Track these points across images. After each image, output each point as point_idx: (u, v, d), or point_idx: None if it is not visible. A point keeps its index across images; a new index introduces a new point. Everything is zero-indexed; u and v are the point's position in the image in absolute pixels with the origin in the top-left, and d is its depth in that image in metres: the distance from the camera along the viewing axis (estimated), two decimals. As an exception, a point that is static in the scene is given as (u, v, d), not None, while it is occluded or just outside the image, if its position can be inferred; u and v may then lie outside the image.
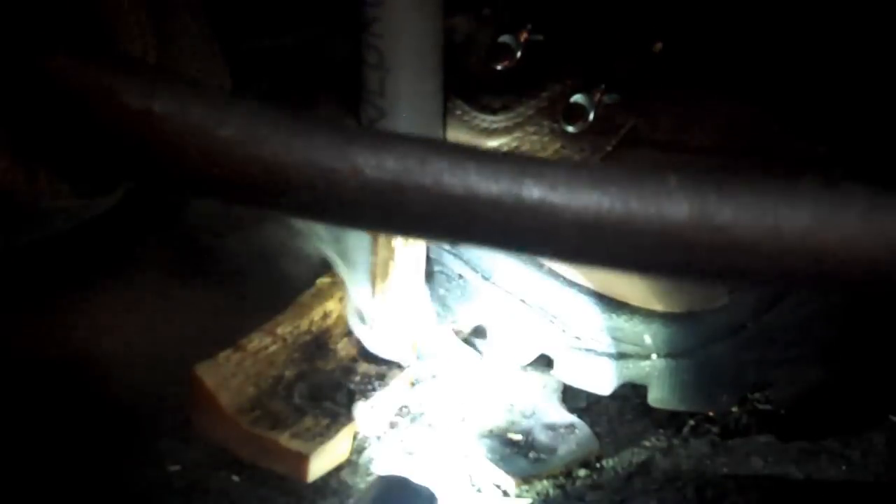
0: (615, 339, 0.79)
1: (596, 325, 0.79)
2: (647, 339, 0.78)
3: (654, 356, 0.79)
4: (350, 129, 0.54)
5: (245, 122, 0.53)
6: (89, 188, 0.60)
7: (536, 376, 0.83)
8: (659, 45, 0.83)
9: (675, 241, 0.51)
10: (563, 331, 0.81)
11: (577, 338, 0.80)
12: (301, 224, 0.88)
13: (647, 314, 0.78)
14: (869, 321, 0.77)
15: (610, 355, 0.80)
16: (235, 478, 0.77)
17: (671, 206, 0.51)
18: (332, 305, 0.83)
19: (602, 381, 0.80)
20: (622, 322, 0.79)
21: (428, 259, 0.85)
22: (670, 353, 0.78)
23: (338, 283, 0.84)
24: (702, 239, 0.51)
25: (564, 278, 0.80)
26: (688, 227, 0.51)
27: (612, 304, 0.79)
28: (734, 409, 0.81)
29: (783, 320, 0.77)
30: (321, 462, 0.76)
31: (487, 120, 0.82)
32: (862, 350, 0.78)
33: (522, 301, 0.82)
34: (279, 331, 0.81)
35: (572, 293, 0.80)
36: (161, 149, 0.54)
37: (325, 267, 0.85)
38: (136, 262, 0.90)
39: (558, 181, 0.51)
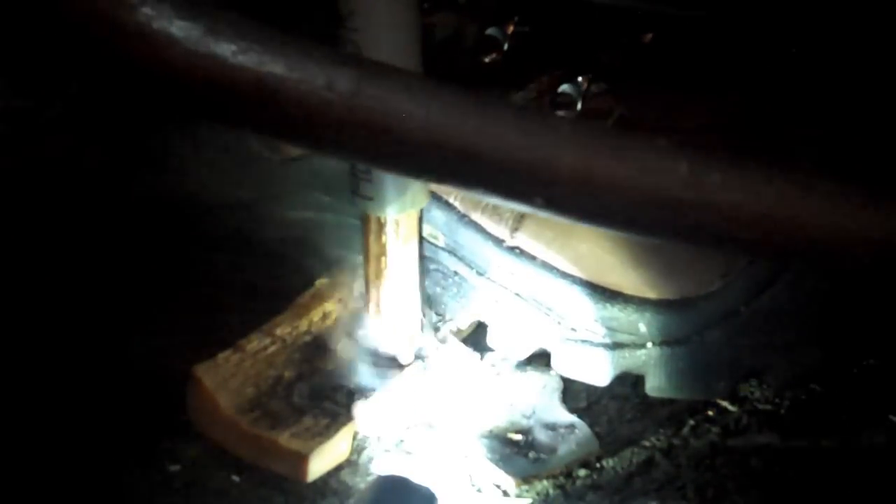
0: (610, 328, 0.79)
1: (591, 316, 0.80)
2: (642, 328, 0.79)
3: (649, 345, 0.79)
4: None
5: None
6: None
7: (536, 376, 0.83)
8: (648, 36, 0.84)
9: None
10: (559, 323, 0.81)
11: (573, 329, 0.80)
12: (301, 223, 0.89)
13: (640, 302, 0.79)
14: (863, 302, 0.77)
15: (606, 345, 0.80)
16: (235, 478, 0.77)
17: None
18: (331, 306, 0.83)
19: (599, 371, 0.80)
20: (616, 311, 0.79)
21: (423, 257, 0.85)
22: (666, 341, 0.78)
23: (337, 284, 0.84)
24: None
25: (558, 270, 0.80)
26: None
27: (605, 293, 0.79)
28: (734, 408, 0.81)
29: (776, 304, 0.77)
30: (321, 462, 0.76)
31: None
32: (857, 331, 0.78)
33: (517, 295, 0.82)
34: (278, 331, 0.81)
35: (566, 285, 0.80)
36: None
37: (325, 267, 0.86)
38: (136, 263, 0.90)
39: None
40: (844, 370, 0.83)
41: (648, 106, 0.82)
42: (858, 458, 0.77)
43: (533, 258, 0.81)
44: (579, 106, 0.81)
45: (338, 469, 0.77)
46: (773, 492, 0.76)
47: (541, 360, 0.83)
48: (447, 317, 0.84)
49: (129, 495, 0.75)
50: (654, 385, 0.79)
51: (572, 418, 0.80)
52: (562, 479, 0.77)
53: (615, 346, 0.80)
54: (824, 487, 0.76)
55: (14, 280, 0.87)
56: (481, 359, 0.83)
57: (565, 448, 0.78)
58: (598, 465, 0.78)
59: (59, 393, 0.81)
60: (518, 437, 0.79)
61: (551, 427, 0.80)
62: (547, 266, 0.81)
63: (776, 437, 0.79)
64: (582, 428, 0.80)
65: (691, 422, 0.81)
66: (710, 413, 0.81)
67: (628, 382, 0.83)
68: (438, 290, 0.85)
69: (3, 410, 0.79)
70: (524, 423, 0.80)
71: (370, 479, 0.77)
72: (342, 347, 0.82)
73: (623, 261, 0.78)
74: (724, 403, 0.81)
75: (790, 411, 0.81)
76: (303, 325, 0.82)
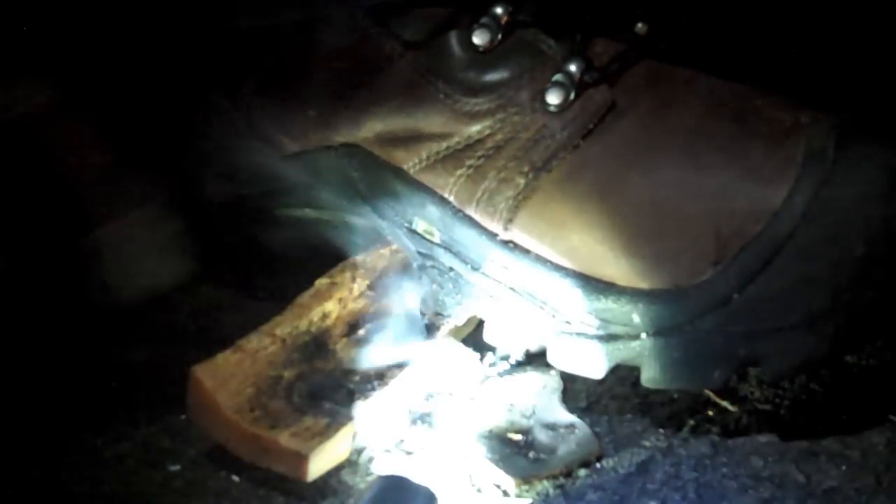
0: (604, 320, 0.79)
1: (584, 309, 0.79)
2: (636, 318, 0.78)
3: (643, 335, 0.79)
4: None
5: None
6: None
7: (536, 376, 0.83)
8: (642, 27, 0.84)
9: None
10: (553, 316, 0.81)
11: (567, 322, 0.80)
12: (301, 221, 0.89)
13: (633, 293, 0.78)
14: (858, 286, 0.77)
15: (600, 338, 0.80)
16: (235, 478, 0.77)
17: None
18: (331, 306, 0.83)
19: (594, 364, 0.80)
20: (610, 303, 0.79)
21: (419, 254, 0.85)
22: (660, 331, 0.78)
23: (337, 284, 0.84)
24: None
25: (551, 263, 0.80)
26: None
27: (599, 285, 0.79)
28: (734, 408, 0.81)
29: (769, 290, 0.77)
30: (321, 462, 0.76)
31: (470, 102, 0.82)
32: (851, 316, 0.78)
33: (512, 289, 0.82)
34: (278, 331, 0.81)
35: (559, 277, 0.80)
36: None
37: (325, 267, 0.86)
38: (136, 262, 0.90)
39: None
40: (843, 367, 0.83)
41: (641, 96, 0.82)
42: (858, 458, 0.77)
43: (526, 252, 0.81)
44: (572, 95, 0.81)
45: (338, 469, 0.77)
46: (773, 492, 0.76)
47: (541, 360, 0.83)
48: (444, 313, 0.84)
49: (130, 495, 0.75)
50: (650, 376, 0.79)
51: (572, 418, 0.80)
52: (562, 479, 0.77)
53: (610, 338, 0.80)
54: (824, 487, 0.76)
55: (14, 279, 0.87)
56: (481, 359, 0.83)
57: (565, 448, 0.78)
58: (598, 465, 0.78)
59: (59, 392, 0.81)
60: (518, 437, 0.79)
61: (551, 427, 0.80)
62: (540, 259, 0.81)
63: (776, 437, 0.79)
64: (582, 428, 0.80)
65: (691, 422, 0.81)
66: (710, 413, 0.81)
67: (628, 383, 0.83)
68: (434, 286, 0.85)
69: (2, 410, 0.79)
70: (524, 423, 0.80)
71: (370, 479, 0.77)
72: (342, 347, 0.82)
73: (615, 251, 0.78)
74: (724, 403, 0.81)
75: (790, 411, 0.81)
76: (303, 324, 0.82)
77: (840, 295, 0.77)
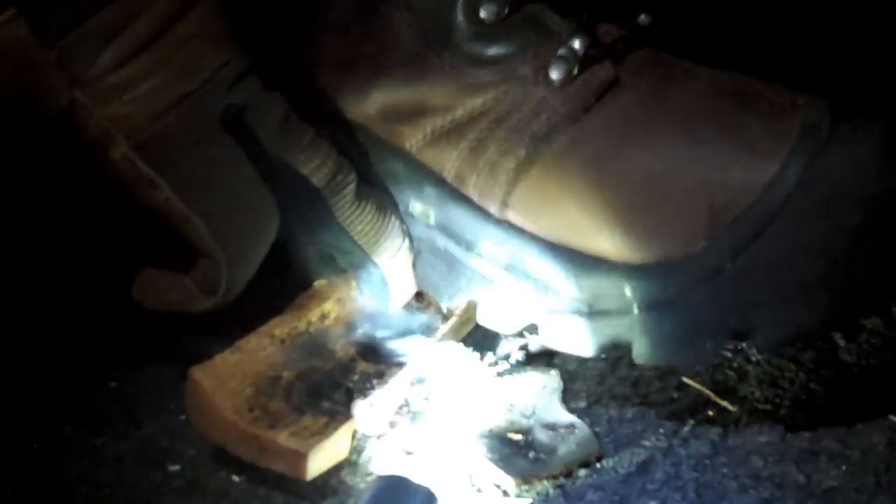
0: (596, 295, 0.79)
1: (576, 285, 0.80)
2: (628, 293, 0.79)
3: (635, 310, 0.79)
4: None
5: None
6: None
7: (536, 376, 0.83)
8: (645, 18, 0.84)
9: None
10: (545, 294, 0.81)
11: (559, 300, 0.81)
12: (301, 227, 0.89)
13: (625, 267, 0.79)
14: (851, 255, 0.77)
15: (592, 314, 0.80)
16: (235, 478, 0.77)
17: None
18: (329, 306, 0.83)
19: (586, 341, 0.80)
20: (602, 278, 0.79)
21: (413, 238, 0.85)
22: (651, 305, 0.78)
23: (335, 285, 0.84)
24: None
25: (544, 240, 0.81)
26: None
27: (590, 260, 0.80)
28: (734, 408, 0.81)
29: (762, 260, 0.77)
30: (320, 460, 0.76)
31: (474, 74, 0.83)
32: (845, 286, 0.78)
33: (505, 269, 0.82)
34: (277, 332, 0.81)
35: (552, 255, 0.80)
36: None
37: (324, 268, 0.86)
38: (135, 262, 0.90)
39: None
40: (843, 367, 0.83)
41: (642, 77, 0.82)
42: (858, 458, 0.77)
43: (521, 230, 0.81)
44: (576, 69, 0.82)
45: (337, 469, 0.77)
46: (773, 492, 0.76)
47: (541, 359, 0.83)
48: (438, 296, 0.84)
49: (129, 495, 0.75)
50: (641, 352, 0.79)
51: (572, 418, 0.80)
52: (562, 479, 0.77)
53: (602, 313, 0.80)
54: (824, 487, 0.76)
55: (13, 278, 0.87)
56: (481, 359, 0.83)
57: (565, 448, 0.78)
58: (598, 465, 0.78)
59: (59, 392, 0.81)
60: (518, 437, 0.79)
61: (551, 427, 0.80)
62: (534, 238, 0.81)
63: (776, 437, 0.79)
64: (582, 428, 0.80)
65: (691, 422, 0.81)
66: (710, 413, 0.81)
67: (628, 383, 0.83)
68: (429, 269, 0.85)
69: (2, 410, 0.79)
70: (524, 423, 0.80)
71: (370, 479, 0.77)
72: (341, 347, 0.82)
73: (608, 224, 0.79)
74: (724, 403, 0.81)
75: (790, 411, 0.81)
76: (301, 325, 0.82)
77: (834, 264, 0.77)
